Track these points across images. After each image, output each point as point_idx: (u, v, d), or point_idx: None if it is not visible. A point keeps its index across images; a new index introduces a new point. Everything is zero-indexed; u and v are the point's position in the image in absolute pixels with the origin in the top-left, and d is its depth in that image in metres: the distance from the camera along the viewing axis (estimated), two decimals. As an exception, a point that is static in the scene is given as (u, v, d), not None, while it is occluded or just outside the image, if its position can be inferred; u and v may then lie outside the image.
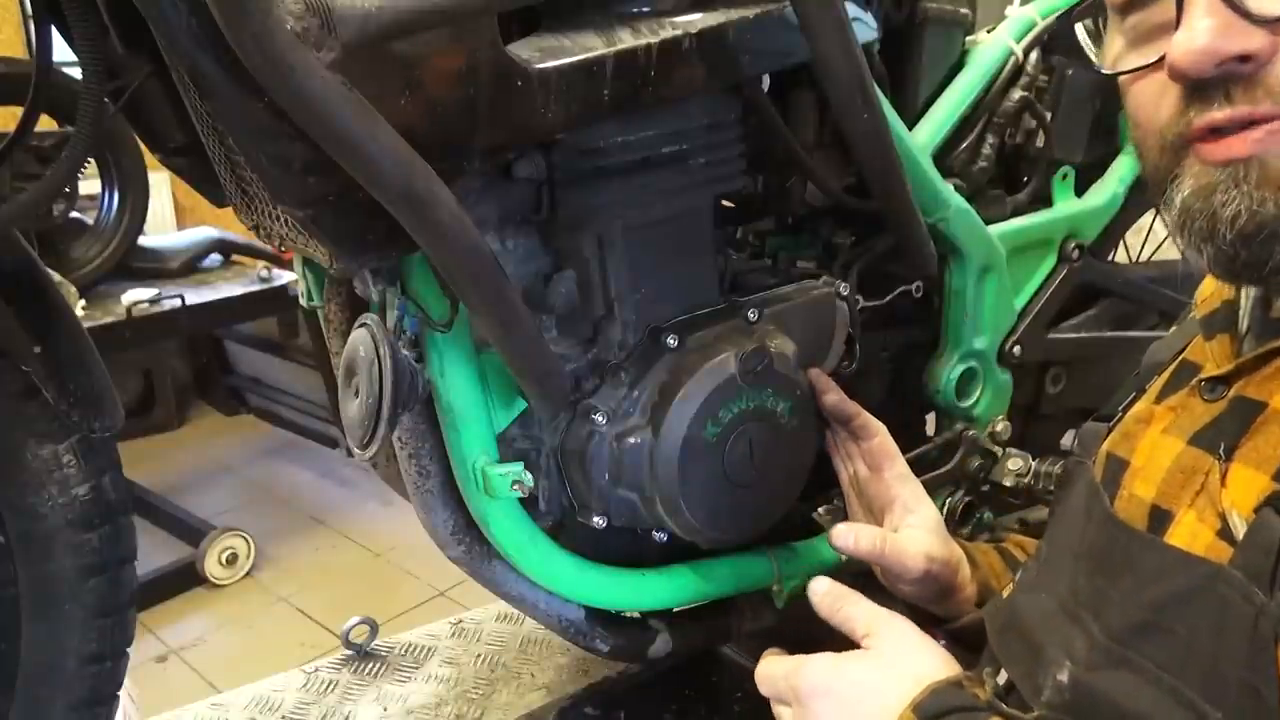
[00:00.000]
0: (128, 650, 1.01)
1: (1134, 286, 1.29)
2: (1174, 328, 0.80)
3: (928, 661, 0.69)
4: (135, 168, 2.82)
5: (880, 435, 0.96)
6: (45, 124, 1.80)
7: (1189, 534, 0.58)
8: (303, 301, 1.09)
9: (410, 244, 0.74)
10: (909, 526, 0.90)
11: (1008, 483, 1.16)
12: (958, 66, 1.15)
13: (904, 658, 0.69)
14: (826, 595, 0.75)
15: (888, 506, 0.93)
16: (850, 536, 0.86)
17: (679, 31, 0.84)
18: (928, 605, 0.89)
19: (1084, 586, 0.65)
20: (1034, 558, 0.77)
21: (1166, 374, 0.71)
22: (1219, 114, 0.53)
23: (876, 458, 0.95)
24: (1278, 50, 0.51)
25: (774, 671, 0.72)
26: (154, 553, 2.59)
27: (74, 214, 2.74)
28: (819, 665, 0.69)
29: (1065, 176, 1.22)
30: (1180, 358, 0.71)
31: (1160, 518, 0.61)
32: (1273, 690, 0.51)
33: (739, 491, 0.93)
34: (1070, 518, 0.71)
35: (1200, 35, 0.51)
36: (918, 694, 0.64)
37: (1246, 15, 0.50)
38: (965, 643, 0.82)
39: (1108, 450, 0.70)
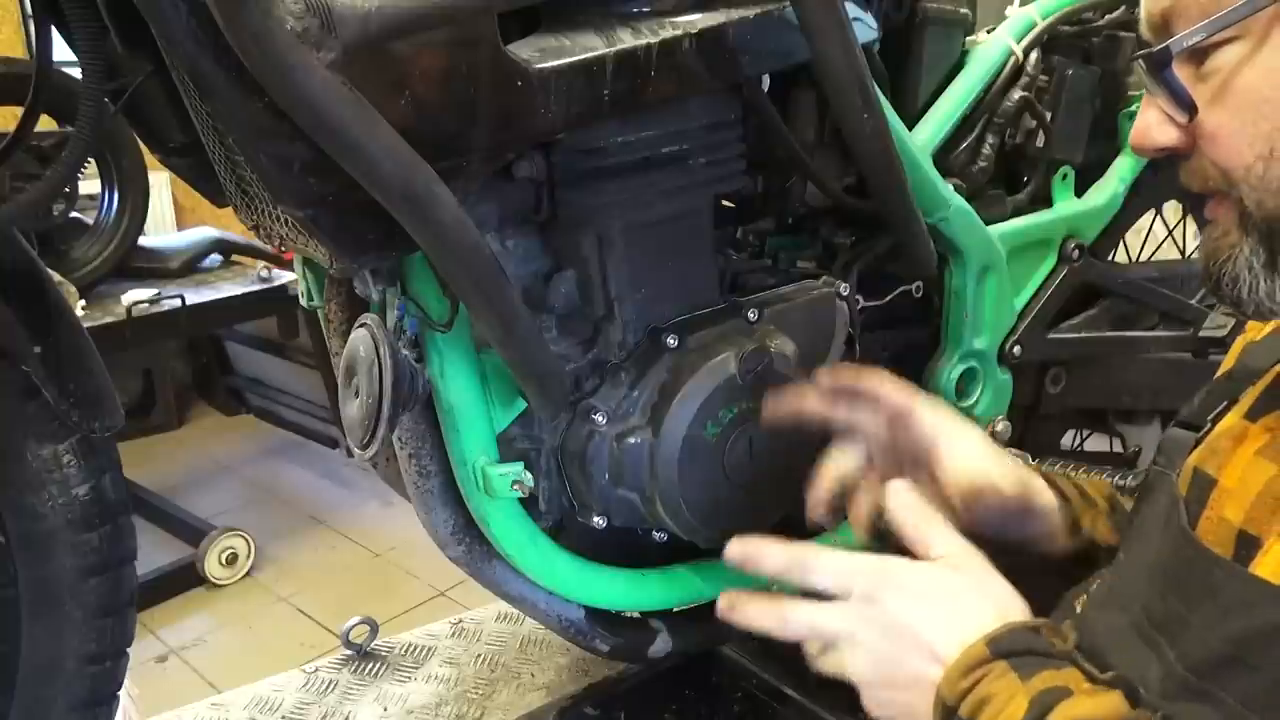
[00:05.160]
0: (128, 650, 1.01)
1: (1134, 286, 1.29)
2: (1269, 328, 0.73)
3: (1010, 597, 0.66)
4: (135, 168, 2.81)
5: (886, 382, 0.84)
6: (45, 124, 1.80)
7: (1278, 564, 0.56)
8: (303, 301, 1.09)
9: (410, 244, 0.74)
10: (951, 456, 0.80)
11: (1008, 483, 1.16)
12: (958, 66, 1.15)
13: (989, 584, 0.66)
14: (906, 505, 0.70)
15: (927, 452, 0.82)
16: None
17: (679, 31, 0.84)
18: (1008, 534, 0.79)
19: (1158, 607, 0.63)
20: (1108, 570, 0.74)
21: (1262, 385, 0.67)
22: (1184, 180, 0.64)
23: (895, 408, 0.83)
24: (1194, 145, 0.61)
25: (844, 564, 0.68)
26: (154, 553, 2.58)
27: (74, 214, 2.74)
28: (905, 563, 0.67)
29: (1065, 176, 1.21)
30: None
31: (1248, 544, 0.59)
32: None
33: (739, 492, 0.93)
34: (1148, 530, 0.69)
35: (1139, 128, 0.63)
36: (996, 628, 0.62)
37: (1168, 116, 0.61)
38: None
39: (1194, 465, 0.67)
